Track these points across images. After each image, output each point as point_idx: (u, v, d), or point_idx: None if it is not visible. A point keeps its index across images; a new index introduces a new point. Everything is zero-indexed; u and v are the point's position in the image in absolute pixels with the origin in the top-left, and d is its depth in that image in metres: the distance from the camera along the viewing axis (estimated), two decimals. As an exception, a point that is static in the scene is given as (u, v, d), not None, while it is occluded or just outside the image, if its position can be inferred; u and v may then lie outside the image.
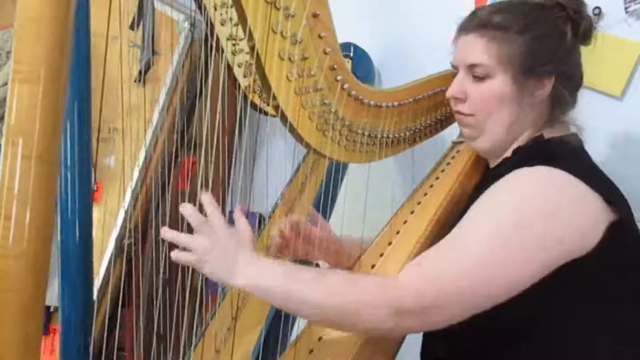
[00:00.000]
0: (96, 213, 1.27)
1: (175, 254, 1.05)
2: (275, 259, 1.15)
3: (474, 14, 1.23)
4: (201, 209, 1.08)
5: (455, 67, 1.25)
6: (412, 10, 1.95)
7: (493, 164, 1.27)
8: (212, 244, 1.03)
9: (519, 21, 1.16)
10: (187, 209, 1.05)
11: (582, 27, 1.19)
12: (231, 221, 1.37)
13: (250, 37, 0.99)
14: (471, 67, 1.19)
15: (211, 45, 1.37)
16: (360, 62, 1.91)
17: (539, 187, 1.05)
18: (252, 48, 1.00)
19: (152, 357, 1.33)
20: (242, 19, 0.98)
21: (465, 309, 0.99)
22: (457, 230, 1.05)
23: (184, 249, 1.06)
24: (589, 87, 1.52)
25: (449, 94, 1.24)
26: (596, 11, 1.54)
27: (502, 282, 0.99)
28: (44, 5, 0.66)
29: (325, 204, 1.64)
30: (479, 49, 1.18)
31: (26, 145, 0.66)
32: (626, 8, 1.50)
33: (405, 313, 0.97)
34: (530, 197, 1.04)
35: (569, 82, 1.20)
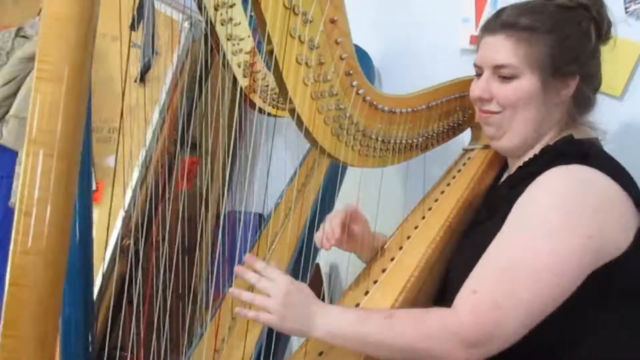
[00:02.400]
0: (96, 213, 1.27)
1: (256, 317, 1.10)
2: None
3: (498, 14, 1.23)
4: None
5: (478, 67, 1.24)
6: (413, 11, 1.95)
7: (513, 164, 1.27)
8: (285, 298, 1.07)
9: (546, 22, 1.17)
10: (250, 276, 1.10)
11: (604, 27, 1.20)
12: (231, 221, 1.37)
13: (269, 41, 1.00)
14: (498, 67, 1.19)
15: (211, 45, 1.37)
16: (361, 63, 1.90)
17: (577, 187, 1.05)
18: (271, 52, 1.01)
19: (152, 357, 1.33)
20: (261, 23, 0.99)
21: (527, 325, 1.00)
22: (502, 242, 1.05)
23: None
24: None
25: (474, 94, 1.23)
26: (596, 11, 1.54)
27: (556, 291, 1.00)
28: (68, 6, 0.67)
29: (325, 203, 1.64)
30: (507, 50, 1.17)
31: (48, 144, 0.67)
32: (626, 8, 1.51)
33: (472, 344, 0.99)
34: (569, 199, 1.04)
35: (592, 82, 1.21)
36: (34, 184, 0.65)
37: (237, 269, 1.12)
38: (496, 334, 0.98)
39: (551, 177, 1.07)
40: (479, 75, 1.24)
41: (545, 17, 1.17)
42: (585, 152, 1.11)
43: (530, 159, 1.20)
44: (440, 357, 1.01)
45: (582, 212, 1.02)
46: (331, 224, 1.29)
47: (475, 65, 1.26)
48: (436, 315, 1.04)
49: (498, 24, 1.20)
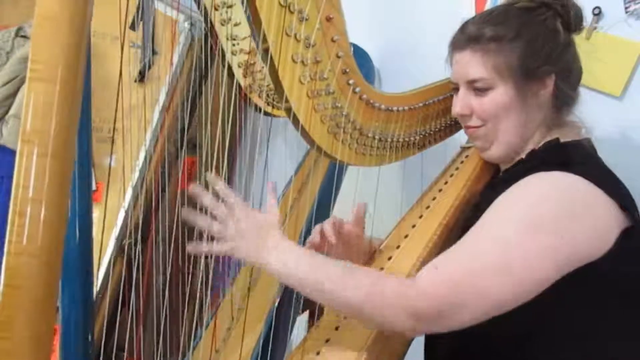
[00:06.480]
0: (96, 213, 1.27)
1: (208, 247, 1.09)
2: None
3: (463, 29, 1.24)
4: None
5: (454, 84, 1.26)
6: (412, 11, 1.95)
7: (505, 167, 1.28)
8: (241, 228, 1.06)
9: (510, 29, 1.17)
10: (206, 200, 1.09)
11: (572, 19, 1.21)
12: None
13: (264, 40, 1.00)
14: (471, 82, 1.20)
15: (211, 45, 1.37)
16: (360, 62, 1.90)
17: (555, 192, 1.05)
18: (266, 50, 1.01)
19: (152, 357, 1.33)
20: (257, 22, 0.99)
21: (482, 311, 0.98)
22: (473, 233, 1.05)
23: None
24: (589, 87, 1.52)
25: (455, 112, 1.25)
26: (596, 11, 1.54)
27: (517, 285, 0.99)
28: (60, 5, 0.67)
29: (325, 203, 1.64)
30: (475, 64, 1.19)
31: (42, 143, 0.67)
32: (626, 8, 1.50)
33: (422, 317, 0.97)
34: (545, 201, 1.04)
35: (569, 77, 1.21)
36: (27, 184, 0.65)
37: (193, 189, 1.10)
38: (448, 311, 0.97)
39: (530, 180, 1.07)
40: (456, 90, 1.25)
41: (509, 23, 1.18)
42: (567, 158, 1.12)
43: (517, 162, 1.22)
44: (389, 323, 1.00)
45: (555, 214, 1.02)
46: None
47: (451, 82, 1.27)
48: (395, 282, 1.02)
49: (464, 38, 1.21)
